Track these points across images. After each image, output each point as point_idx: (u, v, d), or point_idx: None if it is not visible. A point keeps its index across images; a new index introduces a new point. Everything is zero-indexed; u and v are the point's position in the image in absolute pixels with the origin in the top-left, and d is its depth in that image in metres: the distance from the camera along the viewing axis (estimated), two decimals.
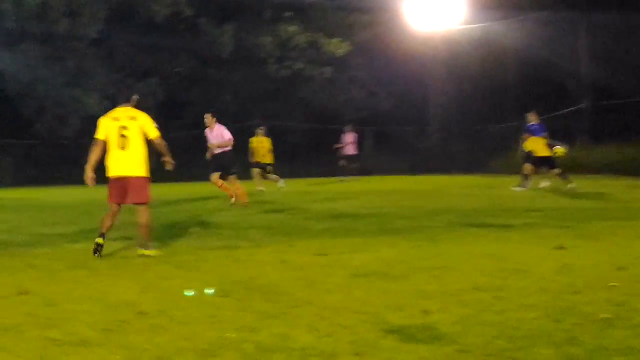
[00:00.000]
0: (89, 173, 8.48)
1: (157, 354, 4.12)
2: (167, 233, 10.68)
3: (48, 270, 7.34)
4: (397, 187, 22.94)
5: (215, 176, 16.05)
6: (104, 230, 8.31)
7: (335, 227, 11.11)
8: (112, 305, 5.47)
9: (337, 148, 29.68)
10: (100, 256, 8.10)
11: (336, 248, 8.63)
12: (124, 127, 8.39)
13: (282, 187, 21.90)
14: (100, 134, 8.52)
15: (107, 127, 8.49)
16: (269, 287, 6.12)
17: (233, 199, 15.85)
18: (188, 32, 42.37)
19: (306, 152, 39.86)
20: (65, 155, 45.97)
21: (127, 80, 41.97)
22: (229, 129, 16.37)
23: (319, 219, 12.41)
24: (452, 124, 38.96)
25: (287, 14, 39.48)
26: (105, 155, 8.50)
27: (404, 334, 4.45)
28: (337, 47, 39.04)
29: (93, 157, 8.49)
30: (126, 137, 8.35)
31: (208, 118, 16.31)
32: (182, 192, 20.87)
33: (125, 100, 8.81)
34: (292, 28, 39.46)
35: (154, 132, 8.55)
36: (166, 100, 44.67)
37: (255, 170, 21.85)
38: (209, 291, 5.73)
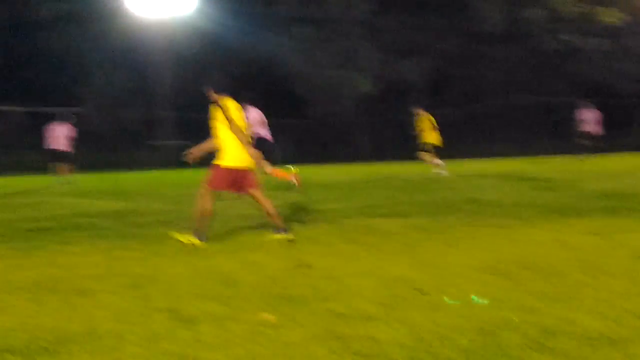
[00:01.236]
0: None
1: (437, 330, 4.10)
2: (437, 210, 10.71)
3: (326, 244, 7.63)
4: None
5: None
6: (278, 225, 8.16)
7: (610, 205, 10.48)
8: (389, 280, 5.54)
9: (577, 126, 27.34)
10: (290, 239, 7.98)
11: (611, 227, 8.13)
12: (241, 119, 8.12)
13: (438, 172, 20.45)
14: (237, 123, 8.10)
15: (238, 117, 8.13)
16: (545, 268, 5.88)
17: None
18: (456, 9, 42.06)
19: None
20: (338, 134, 47.81)
21: (396, 59, 42.63)
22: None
23: (591, 198, 11.79)
24: None
25: None
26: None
27: None
28: (611, 16, 36.72)
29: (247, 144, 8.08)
30: (245, 130, 8.09)
31: None
32: (450, 169, 20.75)
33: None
34: None
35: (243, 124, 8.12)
36: (434, 77, 44.80)
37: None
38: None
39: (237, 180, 8.06)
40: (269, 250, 7.27)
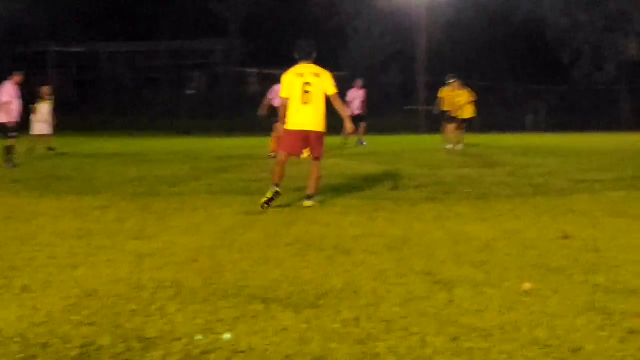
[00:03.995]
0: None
1: None
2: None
3: (588, 216, 7.31)
4: None
5: None
6: (276, 181, 8.31)
7: None
8: None
9: None
10: (268, 206, 8.07)
11: None
12: (308, 84, 8.51)
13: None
14: (284, 92, 8.70)
15: (290, 83, 8.63)
16: None
17: None
18: None
19: None
20: (601, 101, 45.47)
21: None
22: None
23: None
24: None
25: None
26: (288, 109, 8.63)
27: None
28: None
29: (283, 113, 8.70)
30: (310, 93, 8.50)
31: None
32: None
33: (307, 57, 8.70)
34: None
35: (332, 89, 8.61)
36: None
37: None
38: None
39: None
40: (527, 220, 7.09)
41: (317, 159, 8.74)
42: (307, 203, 8.48)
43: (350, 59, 43.97)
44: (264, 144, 23.74)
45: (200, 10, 53.81)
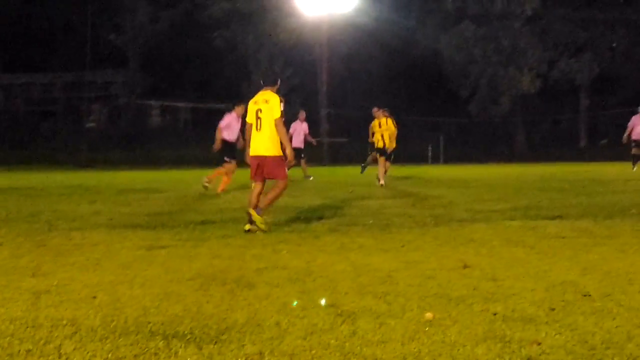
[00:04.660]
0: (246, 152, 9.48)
1: (607, 337, 3.93)
2: (603, 214, 10.30)
3: (487, 245, 7.48)
4: None
5: None
6: (251, 206, 8.95)
7: None
8: (553, 284, 5.37)
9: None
10: (262, 230, 8.74)
11: None
12: (260, 110, 9.09)
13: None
14: (247, 118, 9.33)
15: (249, 110, 9.30)
16: None
17: None
18: (625, 4, 40.31)
19: None
20: (496, 133, 46.93)
21: (560, 57, 41.31)
22: None
23: None
24: None
25: None
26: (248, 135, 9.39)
27: None
28: None
29: (247, 138, 9.42)
30: (261, 119, 9.06)
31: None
32: (616, 172, 19.89)
33: (270, 84, 9.29)
34: None
35: (275, 114, 9.00)
36: (599, 75, 43.08)
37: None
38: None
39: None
40: (428, 250, 7.21)
41: (278, 180, 9.20)
42: (247, 227, 8.84)
43: (253, 91, 43.98)
44: (167, 178, 23.42)
45: (100, 41, 52.99)
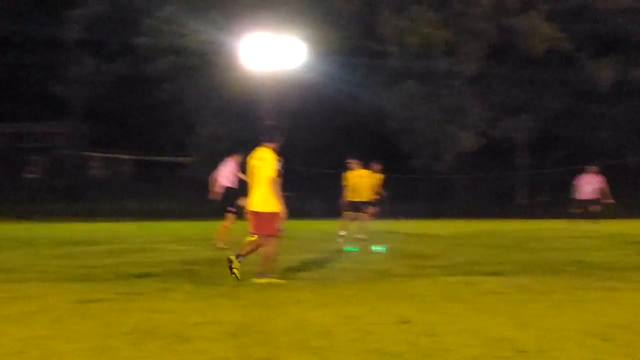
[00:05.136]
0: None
1: None
2: (540, 270, 10.47)
3: (426, 300, 7.50)
4: None
5: None
6: (241, 253, 9.34)
7: None
8: (490, 340, 5.40)
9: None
10: (237, 277, 9.18)
11: None
12: (256, 167, 9.42)
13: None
14: (247, 173, 9.69)
15: (248, 165, 9.61)
16: None
17: None
18: (564, 67, 41.53)
19: None
20: (439, 189, 47.48)
21: (501, 116, 42.21)
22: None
23: None
24: None
25: None
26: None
27: None
28: None
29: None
30: (256, 175, 9.39)
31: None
32: (554, 229, 20.25)
33: (267, 140, 9.61)
34: None
35: (269, 173, 9.27)
36: (540, 135, 44.09)
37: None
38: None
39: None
40: (369, 305, 7.20)
41: (268, 237, 9.27)
42: (258, 280, 9.05)
43: (197, 144, 43.85)
44: (108, 230, 23.06)
45: (41, 92, 52.41)
